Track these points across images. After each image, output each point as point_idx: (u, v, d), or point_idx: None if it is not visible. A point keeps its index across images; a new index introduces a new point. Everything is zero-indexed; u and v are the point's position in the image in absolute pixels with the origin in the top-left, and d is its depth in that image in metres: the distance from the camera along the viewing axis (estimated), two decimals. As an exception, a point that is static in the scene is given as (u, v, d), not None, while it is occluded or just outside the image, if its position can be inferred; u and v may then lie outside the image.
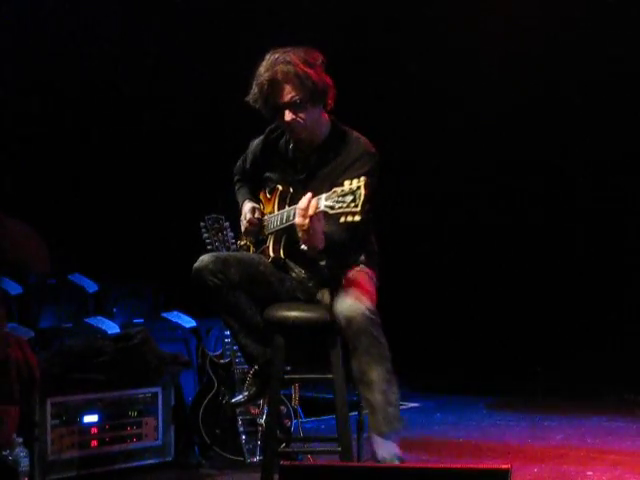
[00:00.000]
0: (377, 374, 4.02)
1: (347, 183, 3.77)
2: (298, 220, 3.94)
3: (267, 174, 4.49)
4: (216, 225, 5.55)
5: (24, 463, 4.94)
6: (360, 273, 4.28)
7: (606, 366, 7.97)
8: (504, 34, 8.43)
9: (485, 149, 8.70)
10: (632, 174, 8.31)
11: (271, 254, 4.32)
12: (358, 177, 3.83)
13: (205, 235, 5.52)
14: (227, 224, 5.54)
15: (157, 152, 9.16)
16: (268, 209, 4.44)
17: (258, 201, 4.56)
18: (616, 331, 8.35)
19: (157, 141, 9.16)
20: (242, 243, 4.64)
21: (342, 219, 3.76)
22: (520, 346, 8.53)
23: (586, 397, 7.74)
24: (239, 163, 4.71)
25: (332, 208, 3.78)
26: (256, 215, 4.46)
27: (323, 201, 3.84)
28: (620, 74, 8.20)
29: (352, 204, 3.72)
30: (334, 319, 4.12)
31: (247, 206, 4.53)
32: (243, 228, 4.55)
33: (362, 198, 3.70)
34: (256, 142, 4.59)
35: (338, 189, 3.78)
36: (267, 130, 4.55)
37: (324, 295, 4.30)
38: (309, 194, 3.95)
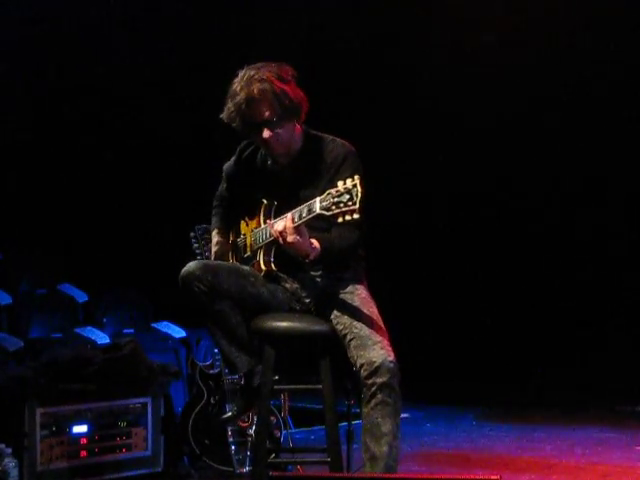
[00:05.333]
0: (388, 428, 4.01)
1: (340, 184, 3.80)
2: (280, 241, 4.04)
3: (247, 193, 4.47)
4: (206, 235, 5.53)
5: (13, 473, 4.94)
6: (372, 304, 4.26)
7: (595, 377, 7.99)
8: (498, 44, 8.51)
9: (487, 156, 8.73)
10: (628, 181, 8.36)
11: (263, 267, 4.31)
12: (351, 176, 3.88)
13: (195, 245, 5.52)
14: (217, 234, 5.54)
15: (146, 162, 9.17)
16: (253, 224, 4.44)
17: (232, 226, 4.57)
18: (605, 342, 8.37)
19: (146, 151, 9.17)
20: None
21: (340, 219, 3.80)
22: (510, 357, 8.55)
23: (575, 408, 7.75)
24: (218, 191, 4.69)
25: (328, 210, 3.81)
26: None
27: (318, 204, 3.87)
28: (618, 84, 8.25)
29: (350, 202, 3.76)
30: (328, 333, 4.14)
31: (213, 240, 4.59)
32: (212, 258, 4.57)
33: (359, 195, 3.75)
34: (228, 165, 4.59)
35: (333, 190, 3.81)
36: (238, 150, 4.55)
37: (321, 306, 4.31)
38: (289, 216, 4.02)
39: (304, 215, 3.95)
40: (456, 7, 8.53)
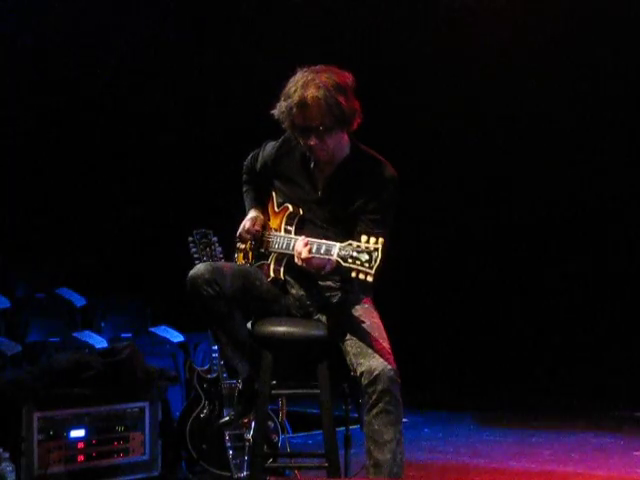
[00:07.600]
0: (391, 435, 4.01)
1: (364, 239, 3.76)
2: (296, 259, 4.02)
3: (277, 184, 4.41)
4: (204, 240, 5.54)
5: (11, 478, 4.93)
6: (375, 315, 4.26)
7: (594, 382, 7.99)
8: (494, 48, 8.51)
9: (486, 158, 8.73)
10: (629, 183, 8.36)
11: (271, 274, 4.29)
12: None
13: (193, 250, 5.51)
14: (215, 239, 5.53)
15: (144, 167, 9.17)
16: (274, 223, 4.39)
17: (264, 208, 4.52)
18: (603, 348, 8.36)
19: (144, 156, 9.16)
20: (242, 247, 4.56)
21: (353, 274, 3.76)
22: (508, 362, 8.54)
23: (574, 413, 7.75)
24: (249, 160, 4.59)
25: (345, 260, 3.78)
26: (255, 227, 4.42)
27: (336, 250, 3.83)
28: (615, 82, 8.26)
29: (366, 264, 3.72)
30: (326, 338, 4.13)
31: (250, 214, 4.49)
32: (238, 232, 4.49)
33: (377, 262, 3.71)
34: (270, 147, 4.47)
35: (354, 243, 3.77)
36: (283, 138, 4.42)
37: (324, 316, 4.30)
38: (302, 238, 4.00)
39: (322, 252, 3.93)
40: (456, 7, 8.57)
